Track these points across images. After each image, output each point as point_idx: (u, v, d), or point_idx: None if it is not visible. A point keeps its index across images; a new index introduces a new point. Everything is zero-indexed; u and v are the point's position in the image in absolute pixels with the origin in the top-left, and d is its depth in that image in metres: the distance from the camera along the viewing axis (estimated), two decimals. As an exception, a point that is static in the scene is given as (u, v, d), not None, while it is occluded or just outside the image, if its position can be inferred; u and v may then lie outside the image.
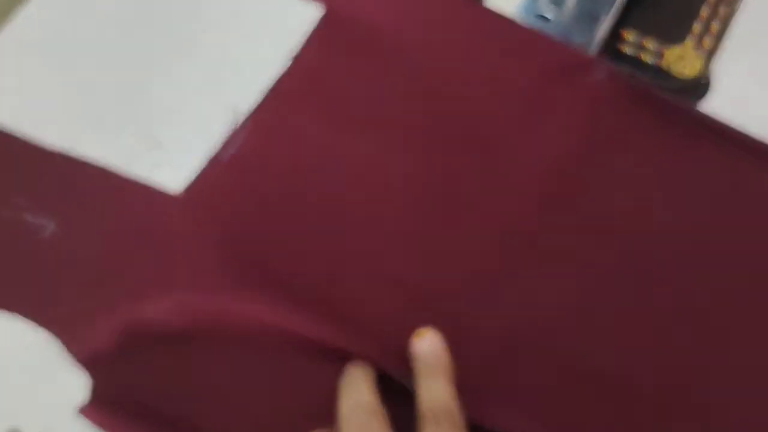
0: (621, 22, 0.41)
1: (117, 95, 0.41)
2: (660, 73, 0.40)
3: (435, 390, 0.30)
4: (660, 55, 0.40)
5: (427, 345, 0.32)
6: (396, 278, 0.36)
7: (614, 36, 0.41)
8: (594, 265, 0.35)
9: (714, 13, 0.41)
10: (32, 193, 0.39)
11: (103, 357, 0.35)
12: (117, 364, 0.35)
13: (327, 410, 0.31)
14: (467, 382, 0.31)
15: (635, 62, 0.40)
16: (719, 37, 0.40)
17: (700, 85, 0.40)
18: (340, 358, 0.33)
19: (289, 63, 0.41)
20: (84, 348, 0.35)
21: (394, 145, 0.39)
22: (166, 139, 0.40)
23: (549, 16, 0.42)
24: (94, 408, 0.33)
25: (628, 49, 0.40)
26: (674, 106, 0.38)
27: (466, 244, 0.36)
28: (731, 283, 0.35)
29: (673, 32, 0.41)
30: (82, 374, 0.35)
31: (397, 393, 0.31)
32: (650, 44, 0.40)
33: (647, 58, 0.40)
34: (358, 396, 0.30)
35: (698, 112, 0.38)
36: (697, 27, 0.41)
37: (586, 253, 0.36)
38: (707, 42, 0.40)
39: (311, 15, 0.42)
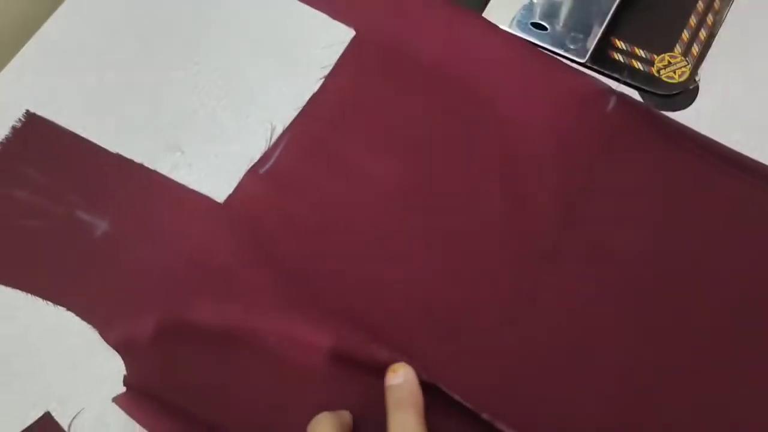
0: (612, 31, 0.43)
1: (143, 101, 0.44)
2: (650, 78, 0.42)
3: (405, 422, 0.32)
4: (650, 62, 0.42)
5: (401, 380, 0.34)
6: (425, 298, 0.38)
7: (605, 43, 0.43)
8: (607, 282, 0.37)
9: (702, 22, 0.43)
10: (87, 192, 0.41)
11: (138, 349, 0.38)
12: (150, 357, 0.37)
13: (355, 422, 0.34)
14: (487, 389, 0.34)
15: (626, 68, 0.42)
16: (707, 45, 0.43)
17: (688, 90, 0.42)
18: (368, 371, 0.35)
19: (322, 82, 0.43)
20: (122, 339, 0.38)
21: (422, 164, 0.41)
22: (185, 144, 0.43)
23: (545, 24, 0.44)
24: (126, 398, 0.36)
25: (618, 56, 0.43)
26: (682, 130, 0.40)
27: (488, 263, 0.38)
28: (734, 301, 0.37)
29: (663, 40, 0.43)
30: (118, 362, 0.38)
31: None
32: (640, 51, 0.43)
33: (637, 65, 0.42)
34: None
35: (704, 136, 0.40)
36: (685, 35, 0.43)
37: (601, 271, 0.38)
38: (695, 49, 0.42)
39: (344, 37, 0.44)
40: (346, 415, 0.34)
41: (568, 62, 0.43)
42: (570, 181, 0.39)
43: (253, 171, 0.41)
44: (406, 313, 0.37)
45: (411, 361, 0.35)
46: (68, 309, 0.39)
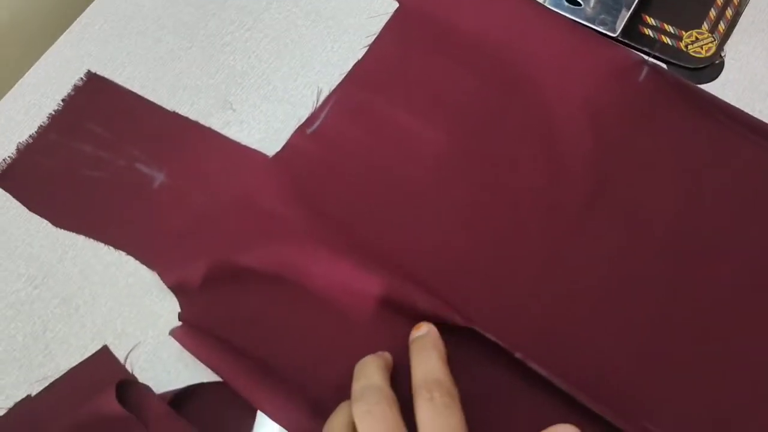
0: (643, 8, 0.46)
1: (198, 62, 0.47)
2: (678, 53, 0.44)
3: (428, 364, 0.34)
4: (678, 37, 0.45)
5: (424, 331, 0.36)
6: (466, 252, 0.40)
7: (636, 19, 0.45)
8: (638, 242, 0.39)
9: (728, 1, 0.45)
10: (146, 146, 0.44)
11: (192, 289, 0.40)
12: (204, 296, 0.40)
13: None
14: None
15: (655, 43, 0.45)
16: (733, 23, 0.45)
17: (714, 65, 0.44)
18: (408, 317, 0.37)
19: (367, 50, 0.46)
20: (178, 280, 0.40)
21: (462, 127, 0.43)
22: (237, 103, 0.45)
23: (579, 1, 0.46)
24: (182, 331, 0.38)
25: (648, 32, 0.45)
26: (711, 100, 0.42)
27: (526, 222, 0.40)
28: (760, 265, 0.38)
29: (691, 17, 0.45)
30: (171, 300, 0.40)
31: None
32: (669, 27, 0.45)
33: (666, 40, 0.45)
34: (368, 380, 0.34)
35: (732, 106, 0.42)
36: (712, 13, 0.45)
37: (632, 232, 0.40)
38: (722, 26, 0.45)
39: (388, 8, 0.47)
40: (388, 357, 0.36)
41: (600, 36, 0.45)
42: (604, 148, 0.42)
43: (300, 130, 0.44)
44: (448, 266, 0.39)
45: (450, 309, 0.37)
46: (128, 253, 0.41)
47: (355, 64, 0.45)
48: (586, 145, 0.42)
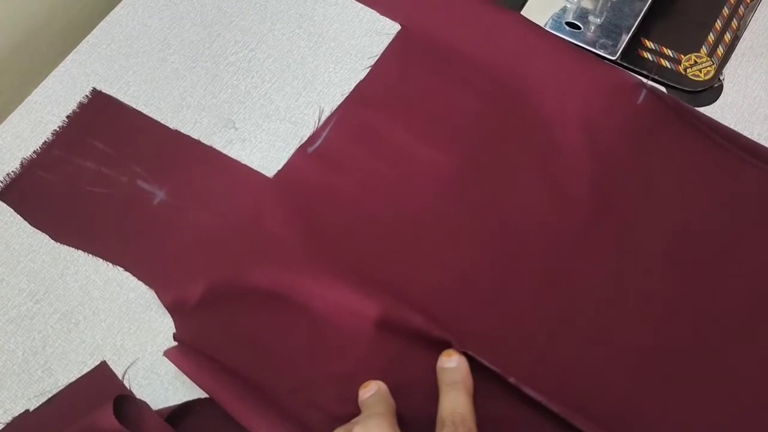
0: (642, 32, 0.46)
1: (201, 82, 0.47)
2: (677, 76, 0.45)
3: (457, 400, 0.34)
4: (677, 60, 0.45)
5: (455, 364, 0.36)
6: (463, 272, 0.40)
7: (635, 43, 0.46)
8: (635, 262, 0.39)
9: (727, 26, 0.46)
10: (148, 164, 0.44)
11: (188, 308, 0.40)
12: (199, 316, 0.40)
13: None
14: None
15: (654, 66, 0.45)
16: (731, 47, 0.45)
17: (713, 88, 0.44)
18: (403, 337, 0.37)
19: (368, 71, 0.46)
20: (175, 299, 0.40)
21: (461, 146, 0.43)
22: (239, 122, 0.46)
23: (578, 24, 0.47)
24: (176, 352, 0.38)
25: (648, 55, 0.45)
26: (708, 122, 0.42)
27: (524, 242, 0.40)
28: (754, 284, 0.39)
29: (690, 41, 0.46)
30: (170, 317, 0.40)
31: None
32: (668, 51, 0.45)
33: (665, 63, 0.45)
34: (372, 409, 0.34)
35: (729, 128, 0.42)
36: (711, 37, 0.46)
37: (630, 251, 0.40)
38: (720, 50, 0.45)
39: (390, 30, 0.48)
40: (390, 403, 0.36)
41: (599, 59, 0.46)
42: (603, 168, 0.42)
43: (302, 149, 0.44)
44: (444, 286, 0.40)
45: (444, 330, 0.37)
46: (126, 269, 0.42)
47: (357, 85, 0.46)
48: (585, 166, 0.42)
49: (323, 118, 0.45)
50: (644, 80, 0.44)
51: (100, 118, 0.46)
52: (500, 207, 0.42)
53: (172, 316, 0.40)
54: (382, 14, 0.48)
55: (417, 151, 0.43)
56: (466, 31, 0.47)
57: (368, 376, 0.37)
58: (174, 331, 0.40)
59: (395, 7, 0.48)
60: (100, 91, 0.47)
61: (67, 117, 0.46)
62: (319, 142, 0.44)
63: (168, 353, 0.38)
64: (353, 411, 0.35)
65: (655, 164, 0.42)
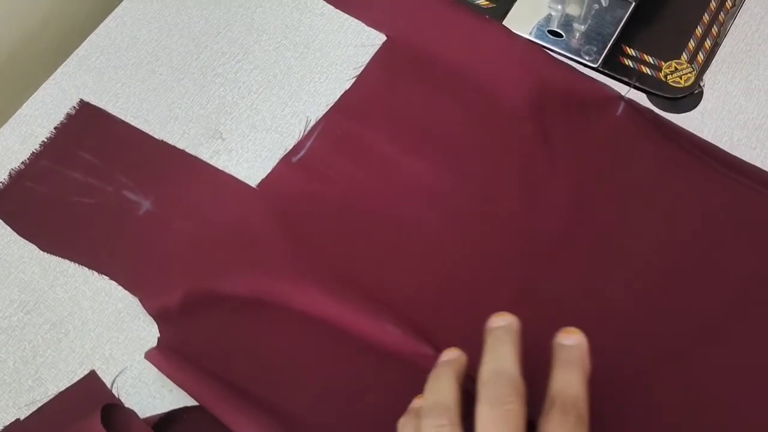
0: (623, 39, 0.47)
1: (189, 93, 0.48)
2: (657, 83, 0.45)
3: (570, 381, 0.31)
4: (658, 67, 0.46)
5: (577, 340, 0.33)
6: (442, 280, 0.40)
7: (616, 50, 0.46)
8: (612, 270, 0.40)
9: (707, 33, 0.46)
10: (134, 174, 0.45)
11: (172, 316, 0.41)
12: (183, 323, 0.40)
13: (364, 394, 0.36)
14: None
15: (635, 73, 0.45)
16: (711, 53, 0.46)
17: (693, 94, 0.45)
18: (383, 344, 0.37)
19: (353, 81, 0.47)
20: (159, 307, 0.41)
21: (444, 157, 0.44)
22: (226, 132, 0.46)
23: (560, 32, 0.47)
24: (156, 354, 0.39)
25: (628, 62, 0.46)
26: (685, 135, 0.43)
27: (503, 250, 0.41)
28: (728, 294, 0.39)
29: (670, 48, 0.46)
30: (154, 326, 0.41)
31: None
32: (649, 58, 0.46)
33: (646, 70, 0.46)
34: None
35: (705, 141, 0.43)
36: (691, 44, 0.46)
37: (606, 261, 0.40)
38: (701, 57, 0.46)
39: (375, 41, 0.48)
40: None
41: (581, 68, 0.46)
42: (581, 178, 0.42)
43: (286, 158, 0.45)
44: (423, 294, 0.40)
45: (422, 339, 0.37)
46: (112, 278, 0.42)
47: (342, 95, 0.46)
48: (564, 178, 0.43)
49: (308, 128, 0.46)
50: (622, 93, 0.44)
51: (88, 129, 0.47)
52: (481, 217, 0.42)
53: (157, 323, 0.41)
54: (367, 25, 0.49)
55: (400, 160, 0.44)
56: (451, 42, 0.47)
57: (347, 380, 0.37)
58: (158, 337, 0.40)
59: (381, 18, 0.49)
60: (88, 102, 0.48)
61: (55, 128, 0.47)
62: (303, 151, 0.45)
63: (149, 355, 0.39)
64: (336, 414, 0.36)
65: (632, 176, 0.42)
